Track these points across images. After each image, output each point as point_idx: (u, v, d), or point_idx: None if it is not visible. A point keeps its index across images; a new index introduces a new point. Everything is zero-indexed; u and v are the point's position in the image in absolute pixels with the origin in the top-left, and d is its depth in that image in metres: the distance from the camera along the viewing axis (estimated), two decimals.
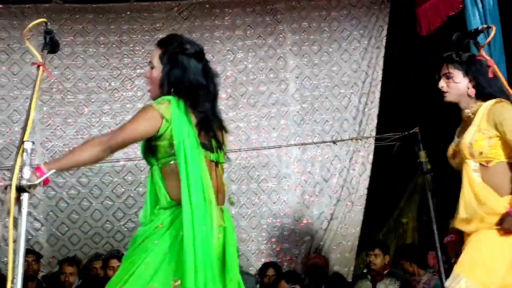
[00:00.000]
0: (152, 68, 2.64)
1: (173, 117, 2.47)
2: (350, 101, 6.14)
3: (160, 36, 5.97)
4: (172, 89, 2.56)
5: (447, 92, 3.01)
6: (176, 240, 2.40)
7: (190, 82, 2.55)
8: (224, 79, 6.10)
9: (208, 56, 5.94)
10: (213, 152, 2.57)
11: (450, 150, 3.08)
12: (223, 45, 6.16)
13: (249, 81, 6.17)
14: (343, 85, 6.15)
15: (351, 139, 6.10)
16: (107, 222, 5.92)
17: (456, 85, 2.99)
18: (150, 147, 2.53)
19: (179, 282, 2.35)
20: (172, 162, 2.49)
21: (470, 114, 2.97)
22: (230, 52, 6.16)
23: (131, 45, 6.03)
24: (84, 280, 5.59)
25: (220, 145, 2.63)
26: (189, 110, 2.52)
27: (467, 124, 2.99)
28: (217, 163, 2.59)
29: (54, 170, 2.24)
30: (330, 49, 6.18)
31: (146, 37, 6.06)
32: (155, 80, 2.61)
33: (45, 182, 2.27)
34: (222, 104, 6.06)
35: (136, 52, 6.03)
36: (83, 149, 2.47)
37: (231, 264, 2.52)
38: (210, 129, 2.57)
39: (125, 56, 6.02)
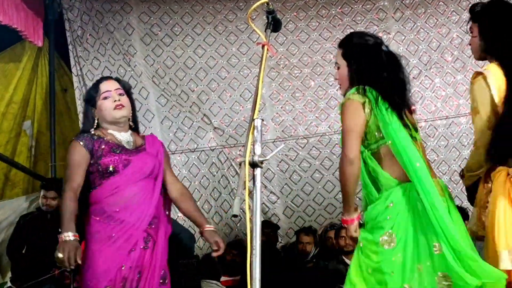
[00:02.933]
0: (338, 68, 3.43)
1: (373, 103, 3.19)
2: None
3: (381, 4, 7.41)
4: (358, 82, 3.31)
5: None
6: (408, 213, 3.14)
7: (373, 73, 3.29)
8: (450, 42, 7.33)
9: (431, 20, 7.18)
10: (412, 131, 3.28)
11: None
12: (447, 6, 7.33)
13: None
14: None
15: None
16: (340, 192, 7.36)
17: None
18: None
19: (437, 244, 3.04)
20: (382, 145, 3.22)
21: None
22: (454, 13, 7.31)
23: (352, 16, 7.43)
24: (320, 249, 6.82)
25: (415, 126, 3.34)
26: (382, 97, 3.23)
27: None
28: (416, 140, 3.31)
29: (283, 145, 3.38)
30: None
31: (367, 6, 7.44)
32: (343, 78, 3.39)
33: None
34: (449, 67, 7.30)
35: (358, 22, 7.41)
36: (348, 179, 3.21)
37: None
38: (402, 114, 3.27)
39: (347, 27, 7.40)
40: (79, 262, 3.44)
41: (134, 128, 3.95)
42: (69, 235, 3.46)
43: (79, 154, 3.69)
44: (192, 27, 7.63)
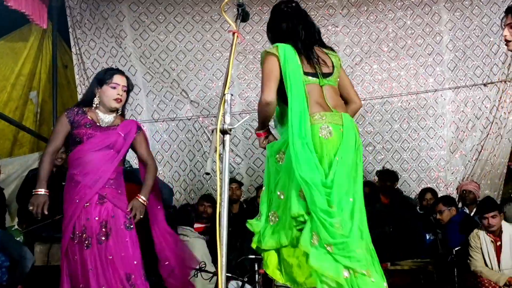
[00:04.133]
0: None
1: (281, 53, 3.12)
2: (499, 48, 7.00)
3: (331, 2, 7.37)
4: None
5: (510, 41, 3.22)
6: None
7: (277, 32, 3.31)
8: (386, 35, 7.34)
9: (372, 16, 7.18)
10: (317, 78, 3.18)
11: None
12: (385, 5, 7.34)
13: (408, 35, 7.30)
14: (493, 34, 7.06)
15: (500, 81, 7.02)
16: None
17: None
18: None
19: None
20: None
21: None
22: (390, 11, 7.33)
23: (307, 11, 7.29)
24: None
25: (325, 72, 3.22)
26: (296, 51, 3.14)
27: None
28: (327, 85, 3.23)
29: (248, 117, 3.32)
30: (481, 3, 7.13)
31: (320, 3, 7.42)
32: None
33: None
34: (385, 56, 7.33)
35: (312, 16, 7.11)
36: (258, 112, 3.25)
37: (343, 153, 3.09)
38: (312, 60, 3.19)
39: None
40: (46, 212, 3.66)
41: (122, 114, 4.03)
42: (41, 191, 3.68)
43: (61, 124, 3.82)
44: (174, 16, 7.55)
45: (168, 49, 7.51)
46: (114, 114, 3.92)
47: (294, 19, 3.33)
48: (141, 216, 3.82)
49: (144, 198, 3.88)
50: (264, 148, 3.34)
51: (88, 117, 3.83)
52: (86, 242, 3.62)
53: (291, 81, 3.10)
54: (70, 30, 7.45)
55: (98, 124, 3.83)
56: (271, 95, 3.10)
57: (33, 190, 3.69)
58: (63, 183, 6.47)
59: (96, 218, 3.67)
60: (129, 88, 3.96)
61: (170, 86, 7.55)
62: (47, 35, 7.60)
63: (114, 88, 3.83)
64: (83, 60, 7.48)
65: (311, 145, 3.02)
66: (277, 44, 3.19)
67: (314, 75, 3.21)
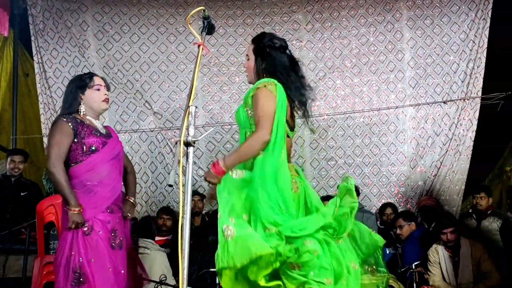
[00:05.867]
0: (248, 59, 3.16)
1: (279, 96, 2.91)
2: (459, 66, 7.17)
3: (296, 17, 7.46)
4: (265, 75, 3.02)
5: None
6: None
7: (276, 69, 3.02)
8: (349, 51, 7.44)
9: (336, 32, 7.30)
10: (291, 131, 3.07)
11: None
12: (348, 22, 7.45)
13: (370, 52, 7.41)
14: (453, 53, 7.21)
15: (460, 99, 7.15)
16: None
17: None
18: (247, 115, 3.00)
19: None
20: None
21: None
22: (354, 28, 7.44)
23: (272, 26, 7.45)
24: None
25: (293, 127, 3.11)
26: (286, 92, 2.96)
27: None
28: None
29: (211, 129, 3.16)
30: (441, 22, 7.29)
31: (285, 18, 7.49)
32: (250, 68, 3.13)
33: None
34: (348, 72, 7.43)
35: (277, 31, 7.37)
36: (248, 148, 2.88)
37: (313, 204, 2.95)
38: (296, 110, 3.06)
39: None
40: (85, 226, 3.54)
41: None
42: (76, 209, 3.50)
43: (66, 133, 3.61)
44: (139, 27, 7.54)
45: (132, 60, 7.49)
46: (99, 120, 3.84)
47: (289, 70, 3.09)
48: (130, 216, 3.87)
49: (133, 199, 3.97)
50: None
51: (88, 124, 3.70)
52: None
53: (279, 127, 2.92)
54: (33, 38, 7.37)
55: (101, 131, 3.76)
56: (271, 135, 2.88)
57: (67, 207, 3.51)
58: (22, 194, 6.37)
59: (109, 222, 3.62)
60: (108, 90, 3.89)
61: (134, 97, 7.51)
62: (8, 42, 7.49)
63: (99, 90, 3.72)
64: (45, 69, 7.38)
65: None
66: (273, 80, 2.98)
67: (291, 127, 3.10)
